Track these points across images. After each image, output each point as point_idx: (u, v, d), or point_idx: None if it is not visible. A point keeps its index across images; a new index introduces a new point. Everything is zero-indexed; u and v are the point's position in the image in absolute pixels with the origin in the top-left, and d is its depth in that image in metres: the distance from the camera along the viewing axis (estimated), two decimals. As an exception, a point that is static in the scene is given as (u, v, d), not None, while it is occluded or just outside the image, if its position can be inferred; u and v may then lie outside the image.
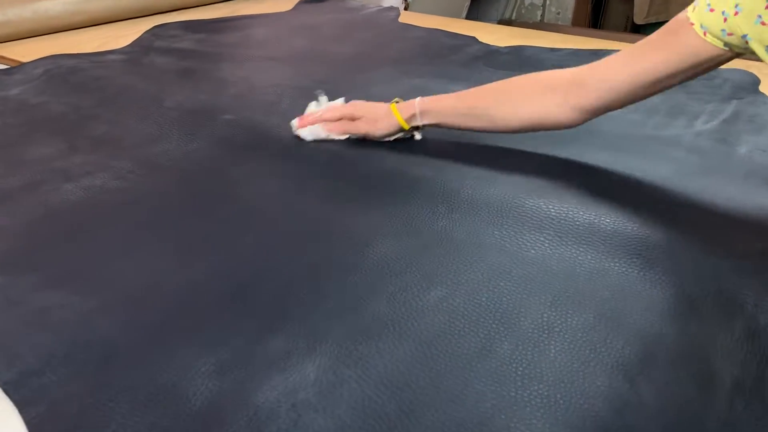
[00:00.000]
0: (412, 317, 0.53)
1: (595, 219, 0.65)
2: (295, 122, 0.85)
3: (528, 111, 0.73)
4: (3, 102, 0.97)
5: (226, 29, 1.40)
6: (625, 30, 2.78)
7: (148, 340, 0.50)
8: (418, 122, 0.80)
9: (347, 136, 0.84)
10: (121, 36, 1.32)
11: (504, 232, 0.64)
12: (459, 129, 0.79)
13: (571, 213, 0.66)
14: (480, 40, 1.36)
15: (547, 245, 0.62)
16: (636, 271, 0.58)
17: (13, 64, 1.15)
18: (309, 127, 0.84)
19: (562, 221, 0.65)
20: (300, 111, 0.91)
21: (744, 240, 0.63)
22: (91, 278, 0.57)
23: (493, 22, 2.73)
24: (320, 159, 0.80)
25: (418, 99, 0.79)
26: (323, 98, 0.89)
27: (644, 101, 0.89)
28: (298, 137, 0.84)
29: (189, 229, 0.65)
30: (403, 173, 0.75)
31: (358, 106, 0.83)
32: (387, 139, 0.83)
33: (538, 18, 2.82)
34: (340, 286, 0.56)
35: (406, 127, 0.80)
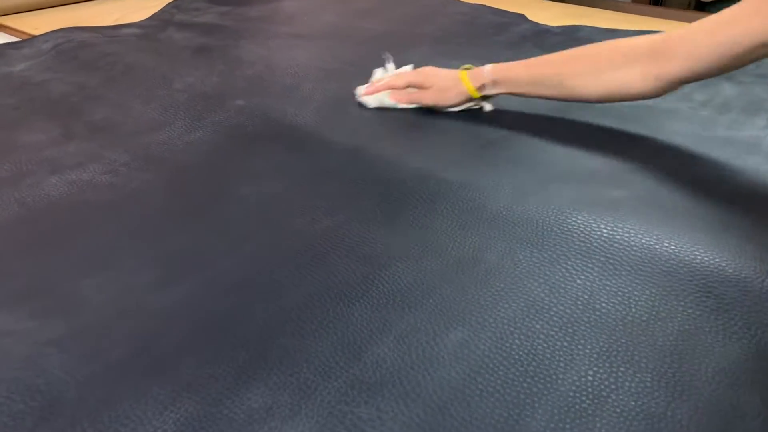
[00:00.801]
0: (424, 368, 0.43)
1: (655, 244, 0.54)
2: (360, 89, 0.83)
3: (608, 81, 0.68)
4: (5, 79, 0.90)
5: (253, 2, 1.30)
6: (688, 7, 2.57)
7: (103, 386, 0.41)
8: (489, 91, 0.75)
9: (414, 105, 0.80)
10: (144, 8, 1.24)
11: (544, 256, 0.54)
12: (531, 97, 0.74)
13: (626, 235, 0.55)
14: (530, 18, 1.23)
15: (595, 275, 0.51)
16: (706, 315, 0.47)
17: (25, 37, 1.09)
18: (376, 95, 0.81)
19: (615, 245, 0.54)
20: (320, 96, 0.82)
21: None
22: (52, 299, 0.49)
23: (547, -2, 2.57)
24: (335, 156, 0.70)
25: (489, 66, 0.75)
26: (390, 65, 0.85)
27: (717, 95, 0.76)
28: (360, 104, 0.82)
29: (174, 238, 0.56)
30: (427, 176, 0.65)
31: (427, 74, 0.80)
32: (454, 109, 0.78)
33: (596, -7, 2.64)
34: (340, 321, 0.47)
35: (477, 95, 0.76)
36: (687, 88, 0.86)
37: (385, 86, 0.81)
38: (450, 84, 0.77)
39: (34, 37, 1.05)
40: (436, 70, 0.80)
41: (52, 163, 0.68)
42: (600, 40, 1.09)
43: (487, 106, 0.79)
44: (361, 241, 0.56)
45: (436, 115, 0.80)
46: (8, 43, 1.04)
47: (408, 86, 0.81)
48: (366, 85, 0.83)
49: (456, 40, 1.11)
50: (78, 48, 0.99)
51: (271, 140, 0.73)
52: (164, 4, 1.26)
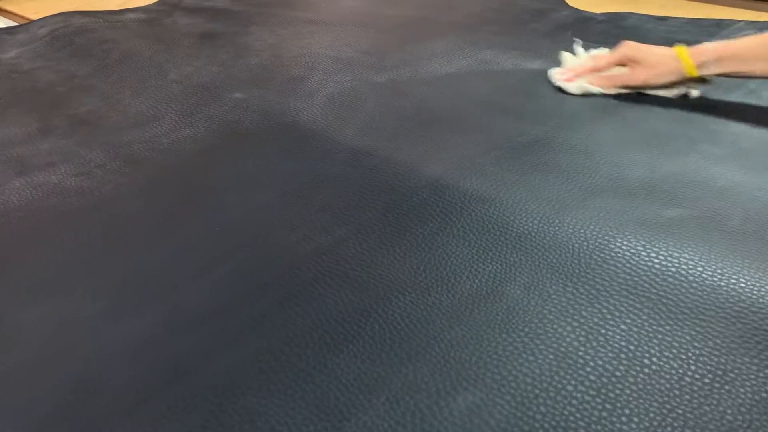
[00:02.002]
0: (421, 444, 0.34)
1: (720, 280, 0.43)
2: (554, 72, 0.76)
3: None
4: (-7, 67, 0.83)
5: (271, -15, 1.22)
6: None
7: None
8: (710, 70, 0.66)
9: (620, 90, 0.72)
10: (153, -8, 1.17)
11: (580, 291, 0.44)
12: (754, 77, 0.65)
13: (683, 267, 0.45)
14: (570, 3, 1.12)
15: (644, 319, 0.41)
16: (789, 380, 0.37)
17: (24, 22, 1.02)
18: (577, 81, 0.73)
19: (670, 280, 0.44)
20: (330, 89, 0.73)
21: None
22: (-19, 333, 0.41)
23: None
24: (340, 160, 0.61)
25: (712, 43, 0.66)
26: (580, 49, 0.78)
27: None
28: (561, 90, 0.74)
29: (138, 257, 0.48)
30: (444, 187, 0.55)
31: (634, 48, 0.70)
32: (663, 92, 0.71)
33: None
34: (321, 374, 0.38)
35: (695, 74, 0.66)
36: (754, 82, 0.74)
37: (588, 69, 0.73)
38: (664, 59, 0.68)
39: (30, 22, 0.98)
40: (645, 45, 0.71)
41: (21, 162, 0.61)
42: (649, 28, 0.98)
43: (695, 92, 0.70)
44: (359, 266, 0.47)
45: (463, 111, 0.70)
46: (3, 29, 0.97)
47: (613, 66, 0.72)
48: (559, 70, 0.76)
49: (488, 28, 1.00)
50: (74, 34, 0.92)
51: (269, 139, 0.64)
52: (176, -12, 1.18)
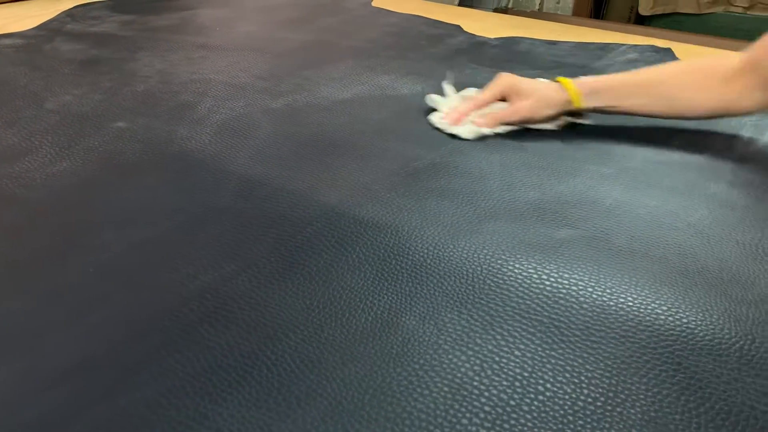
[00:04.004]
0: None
1: (609, 299, 0.44)
2: (435, 117, 0.72)
3: (720, 94, 0.63)
4: None
5: (162, 10, 1.17)
6: (629, 21, 2.56)
7: None
8: (587, 103, 0.67)
9: (507, 128, 0.70)
10: (32, 16, 1.10)
11: (475, 318, 0.43)
12: (627, 114, 0.66)
13: (573, 288, 0.45)
14: (466, 29, 1.14)
15: (537, 344, 0.41)
16: (675, 396, 0.37)
17: None
18: (465, 123, 0.70)
19: (561, 302, 0.44)
20: (221, 116, 0.70)
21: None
22: None
23: (488, 11, 2.52)
24: (230, 190, 0.58)
25: (581, 78, 0.66)
26: (449, 88, 0.74)
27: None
28: (454, 137, 0.69)
29: (1, 307, 0.43)
30: (339, 216, 0.54)
31: (514, 81, 0.69)
32: (547, 125, 0.70)
33: (537, 6, 2.61)
34: (198, 427, 0.35)
35: (579, 105, 0.66)
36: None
37: (470, 108, 0.70)
38: (551, 92, 0.67)
39: None
40: (523, 78, 0.69)
41: None
42: (540, 51, 1.01)
43: (587, 120, 0.70)
44: (247, 305, 0.44)
45: (360, 137, 0.68)
46: None
47: (494, 101, 0.70)
48: (439, 114, 0.72)
49: (385, 53, 1.01)
50: (-61, 61, 0.84)
51: (153, 171, 0.61)
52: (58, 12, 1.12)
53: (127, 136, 0.67)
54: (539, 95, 0.67)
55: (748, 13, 2.30)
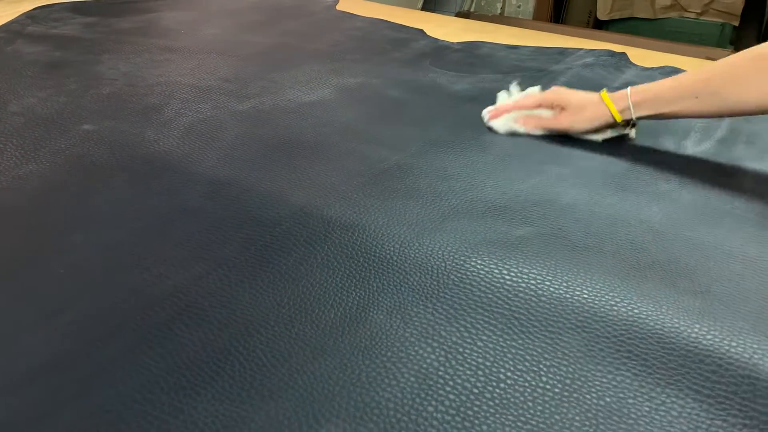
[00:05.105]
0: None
1: (565, 292, 0.46)
2: (485, 113, 0.76)
3: (760, 89, 0.60)
4: None
5: (126, 12, 1.17)
6: (587, 25, 2.63)
7: None
8: (632, 115, 0.67)
9: (544, 131, 0.73)
10: (-8, 17, 1.08)
11: (439, 311, 0.45)
12: (678, 117, 0.66)
13: (532, 282, 0.47)
14: (429, 33, 1.16)
15: (498, 335, 0.43)
16: (628, 382, 0.40)
17: None
18: (503, 118, 0.74)
19: (520, 295, 0.46)
20: (188, 119, 0.71)
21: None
22: None
23: (450, 15, 2.55)
24: (199, 191, 0.59)
25: (628, 89, 0.68)
26: (514, 88, 0.78)
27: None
28: (491, 129, 0.75)
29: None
30: (308, 215, 0.55)
31: (561, 93, 0.72)
32: (594, 136, 0.71)
33: (498, 11, 2.66)
34: (178, 420, 0.36)
35: (619, 118, 0.68)
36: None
37: (513, 107, 0.74)
38: (588, 104, 0.70)
39: None
40: (572, 90, 0.72)
41: None
42: (501, 56, 1.04)
43: (632, 134, 0.72)
44: (218, 303, 0.45)
45: (327, 139, 0.70)
46: None
47: (538, 107, 0.73)
48: (490, 108, 0.76)
49: (351, 57, 1.02)
50: None
51: (121, 173, 0.61)
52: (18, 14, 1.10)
53: (95, 138, 0.67)
54: (582, 112, 0.70)
55: (700, 18, 2.39)
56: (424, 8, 2.53)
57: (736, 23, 2.34)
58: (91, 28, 1.05)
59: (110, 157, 0.64)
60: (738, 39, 2.41)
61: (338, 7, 1.35)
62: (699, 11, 2.38)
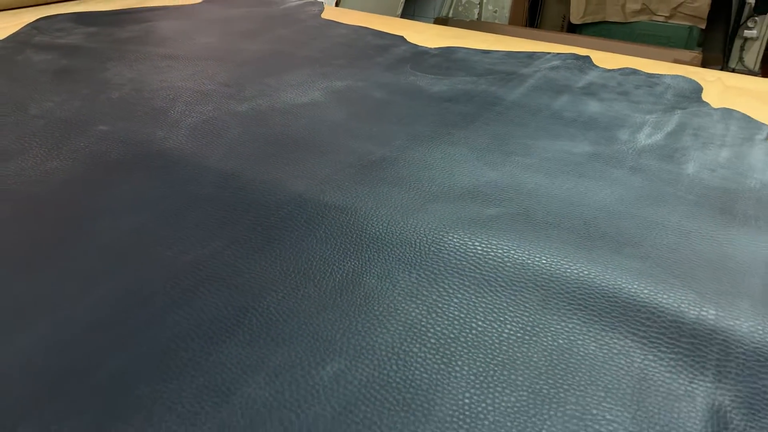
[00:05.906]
0: (298, 405, 0.41)
1: (527, 259, 0.55)
2: None
3: None
4: None
5: (124, 22, 1.24)
6: (561, 29, 2.74)
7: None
8: None
9: None
10: (-2, 28, 1.15)
11: (421, 276, 0.53)
12: None
13: (499, 252, 0.56)
14: (409, 40, 1.25)
15: (471, 294, 0.51)
16: (578, 328, 0.48)
17: None
18: None
19: (489, 262, 0.55)
20: (193, 119, 0.78)
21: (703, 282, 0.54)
22: None
23: (429, 21, 2.64)
24: (208, 182, 0.67)
25: None
26: None
27: (582, 109, 0.79)
28: None
29: (14, 284, 0.51)
30: (306, 201, 0.63)
31: None
32: None
33: (475, 16, 2.76)
34: (208, 362, 0.44)
35: None
36: (557, 105, 0.90)
37: None
38: None
39: None
40: None
41: None
42: (475, 60, 1.13)
43: None
44: (234, 272, 0.53)
45: (319, 135, 0.78)
46: None
47: None
48: None
49: (337, 62, 1.10)
50: None
51: (137, 167, 0.69)
52: (23, 25, 1.17)
53: (110, 137, 0.74)
54: None
55: (668, 22, 2.50)
56: (403, 15, 2.61)
57: (703, 26, 2.46)
58: (94, 38, 1.12)
59: (126, 153, 0.71)
60: (705, 41, 2.53)
61: (323, 16, 1.43)
62: (667, 15, 2.50)
